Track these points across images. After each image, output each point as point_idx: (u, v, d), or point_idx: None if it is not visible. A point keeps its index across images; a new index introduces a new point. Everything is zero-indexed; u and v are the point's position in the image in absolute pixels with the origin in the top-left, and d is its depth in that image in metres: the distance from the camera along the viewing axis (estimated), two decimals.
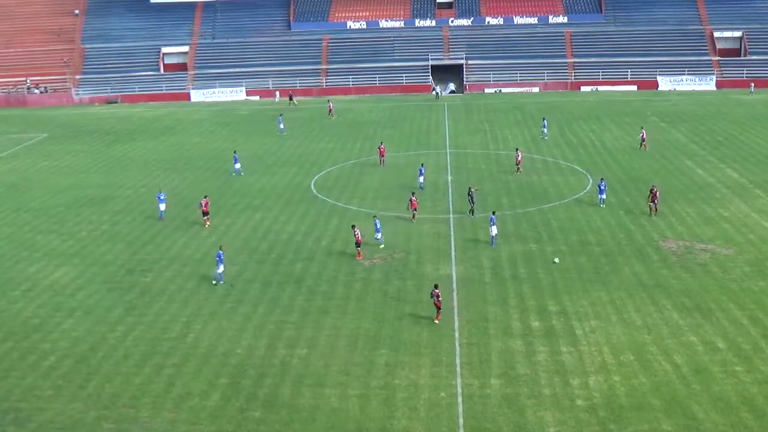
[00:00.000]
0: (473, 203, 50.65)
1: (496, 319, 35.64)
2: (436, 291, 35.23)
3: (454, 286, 39.60)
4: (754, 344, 32.56)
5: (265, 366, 31.95)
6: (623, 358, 31.65)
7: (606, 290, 38.54)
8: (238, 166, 64.46)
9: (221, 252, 40.97)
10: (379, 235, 45.54)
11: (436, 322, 35.11)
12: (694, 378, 29.98)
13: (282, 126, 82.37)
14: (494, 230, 45.45)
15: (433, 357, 32.17)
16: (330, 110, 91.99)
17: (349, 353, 32.76)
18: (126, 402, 29.49)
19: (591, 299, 37.49)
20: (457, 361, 31.82)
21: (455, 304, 37.40)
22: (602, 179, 53.27)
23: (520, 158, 62.34)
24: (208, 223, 51.21)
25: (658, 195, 49.58)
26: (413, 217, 49.83)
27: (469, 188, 52.05)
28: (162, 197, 53.06)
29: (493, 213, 46.38)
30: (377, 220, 46.04)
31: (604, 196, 51.99)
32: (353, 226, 44.42)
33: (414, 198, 50.06)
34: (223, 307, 37.91)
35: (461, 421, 27.66)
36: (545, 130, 75.82)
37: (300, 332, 34.90)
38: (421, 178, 58.13)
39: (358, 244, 43.86)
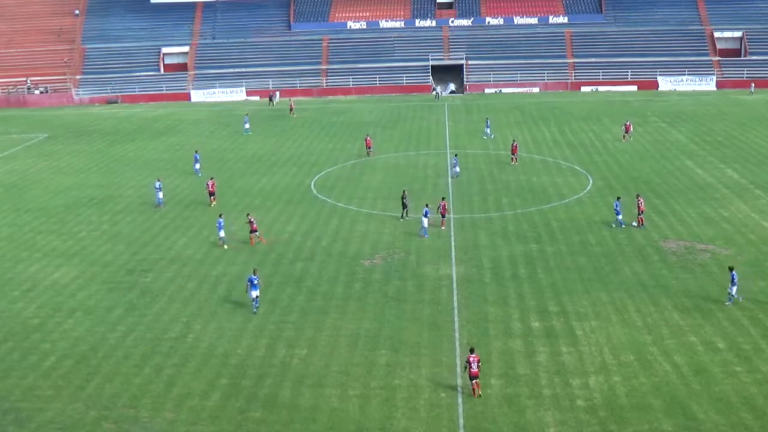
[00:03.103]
0: (406, 207, 50.46)
1: (497, 319, 35.63)
2: (473, 356, 29.25)
3: (455, 286, 39.59)
4: (755, 344, 32.55)
5: (265, 366, 31.94)
6: (623, 359, 31.64)
7: (606, 290, 38.53)
8: (197, 166, 65.04)
9: (254, 276, 37.27)
10: (222, 233, 46.38)
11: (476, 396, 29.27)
12: (695, 378, 29.98)
13: (247, 126, 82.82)
14: (425, 222, 46.77)
15: (434, 357, 32.16)
16: (291, 109, 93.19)
17: (349, 353, 32.75)
18: (126, 402, 29.49)
19: (591, 299, 37.48)
20: (458, 361, 31.79)
21: (455, 304, 37.39)
22: (618, 198, 49.44)
23: (516, 148, 65.34)
24: (214, 202, 55.21)
25: (643, 206, 47.57)
26: (442, 223, 48.47)
27: (404, 191, 51.68)
28: (158, 185, 55.81)
29: (427, 206, 47.81)
30: (221, 220, 46.98)
31: (621, 217, 47.68)
32: (248, 215, 47.81)
33: (444, 202, 49.05)
34: (223, 307, 37.90)
35: (461, 421, 27.65)
36: (488, 130, 76.23)
37: (300, 332, 34.89)
38: (457, 168, 61.16)
39: (253, 231, 46.30)
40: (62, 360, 32.97)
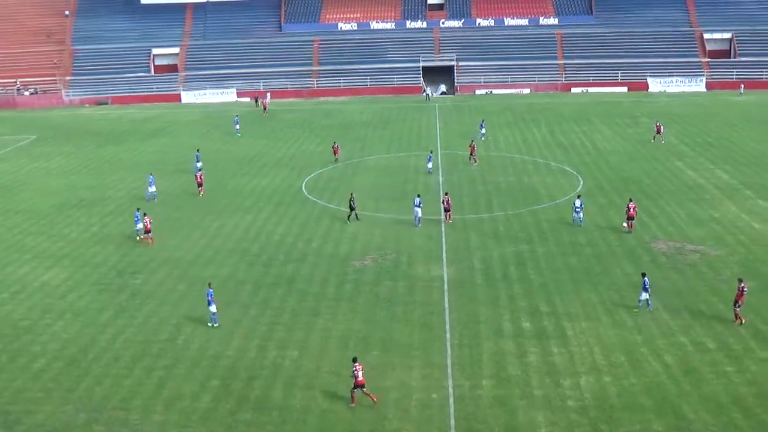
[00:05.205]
0: (353, 209, 50.61)
1: (487, 320, 35.65)
2: (357, 365, 28.81)
3: (446, 287, 39.60)
4: (744, 345, 32.66)
5: (255, 368, 31.88)
6: (614, 359, 31.70)
7: (597, 291, 38.60)
8: (199, 164, 65.20)
9: (211, 290, 36.36)
10: (140, 225, 48.01)
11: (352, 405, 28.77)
12: (685, 378, 30.06)
13: (238, 127, 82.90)
14: (419, 212, 48.71)
15: (425, 358, 32.16)
16: (264, 107, 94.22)
17: (340, 355, 32.69)
18: (116, 404, 29.38)
19: (582, 300, 37.55)
20: (449, 362, 31.81)
21: (446, 305, 37.40)
22: (579, 196, 50.65)
23: (474, 149, 66.42)
24: (202, 192, 58.03)
25: (635, 211, 47.17)
26: (447, 218, 49.54)
27: (351, 194, 51.93)
28: (151, 179, 57.74)
29: (418, 196, 50.00)
30: (138, 213, 48.88)
31: (581, 215, 48.35)
32: (145, 214, 48.27)
33: (447, 197, 50.09)
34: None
35: (452, 422, 27.65)
36: (483, 131, 76.42)
37: (291, 334, 34.83)
38: (430, 164, 63.31)
39: (147, 231, 47.30)
40: (52, 362, 32.83)
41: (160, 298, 39.43)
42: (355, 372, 28.63)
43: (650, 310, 35.87)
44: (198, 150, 67.97)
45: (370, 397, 28.84)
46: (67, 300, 39.49)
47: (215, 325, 35.74)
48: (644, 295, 35.82)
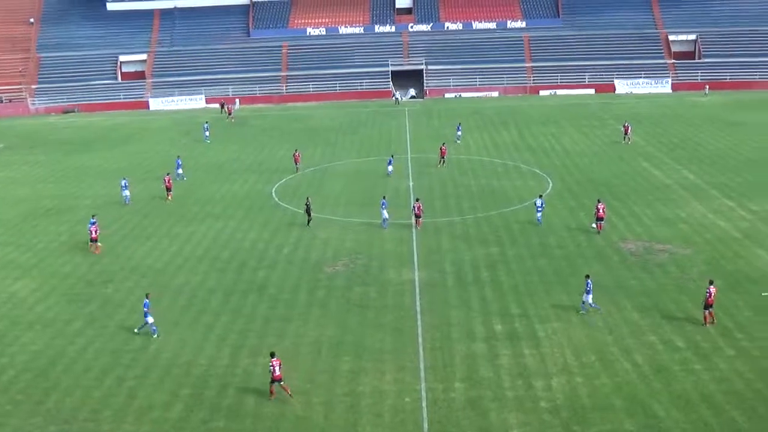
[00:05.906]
0: (310, 215, 50.82)
1: (459, 323, 35.76)
2: (275, 360, 29.62)
3: (417, 290, 39.67)
4: (713, 343, 33.05)
5: (228, 375, 31.70)
6: (585, 359, 31.94)
7: (567, 292, 38.86)
8: (180, 171, 65.26)
9: (147, 301, 35.75)
10: (94, 230, 47.43)
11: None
12: (655, 377, 30.35)
13: (207, 134, 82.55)
14: (385, 213, 49.40)
15: (397, 362, 32.18)
16: (230, 112, 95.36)
17: (313, 361, 32.64)
18: (87, 416, 29.04)
19: (552, 301, 37.78)
20: (421, 365, 31.85)
21: (418, 309, 37.47)
22: (540, 196, 51.07)
23: (444, 151, 66.79)
24: (170, 197, 58.23)
25: (603, 212, 47.42)
26: (417, 224, 49.42)
27: (307, 198, 52.31)
28: (125, 183, 58.46)
29: (384, 197, 50.90)
30: (93, 219, 48.72)
31: (539, 215, 49.31)
32: (95, 221, 48.33)
33: (419, 203, 49.86)
34: (184, 317, 37.53)
35: (426, 425, 27.69)
36: (459, 133, 77.02)
37: (263, 341, 34.68)
38: (390, 167, 63.48)
39: (93, 240, 47.11)
40: (21, 374, 32.39)
41: (131, 306, 39.05)
42: (272, 367, 29.38)
43: (585, 312, 36.08)
44: (179, 156, 67.61)
45: (286, 390, 29.48)
46: (35, 311, 39.01)
47: (155, 336, 35.28)
48: (586, 297, 36.00)
